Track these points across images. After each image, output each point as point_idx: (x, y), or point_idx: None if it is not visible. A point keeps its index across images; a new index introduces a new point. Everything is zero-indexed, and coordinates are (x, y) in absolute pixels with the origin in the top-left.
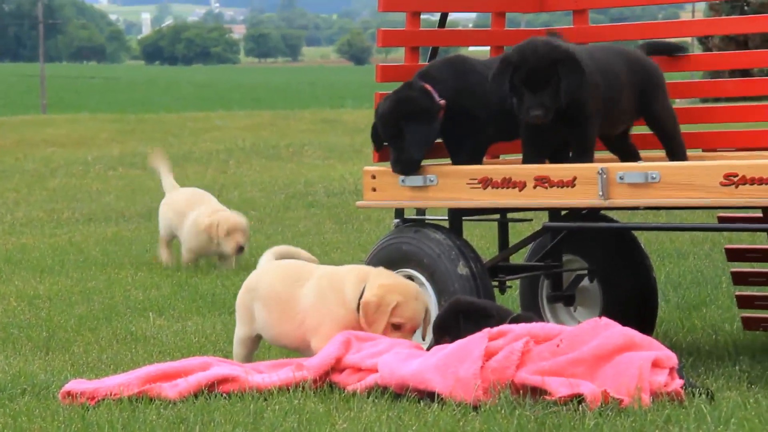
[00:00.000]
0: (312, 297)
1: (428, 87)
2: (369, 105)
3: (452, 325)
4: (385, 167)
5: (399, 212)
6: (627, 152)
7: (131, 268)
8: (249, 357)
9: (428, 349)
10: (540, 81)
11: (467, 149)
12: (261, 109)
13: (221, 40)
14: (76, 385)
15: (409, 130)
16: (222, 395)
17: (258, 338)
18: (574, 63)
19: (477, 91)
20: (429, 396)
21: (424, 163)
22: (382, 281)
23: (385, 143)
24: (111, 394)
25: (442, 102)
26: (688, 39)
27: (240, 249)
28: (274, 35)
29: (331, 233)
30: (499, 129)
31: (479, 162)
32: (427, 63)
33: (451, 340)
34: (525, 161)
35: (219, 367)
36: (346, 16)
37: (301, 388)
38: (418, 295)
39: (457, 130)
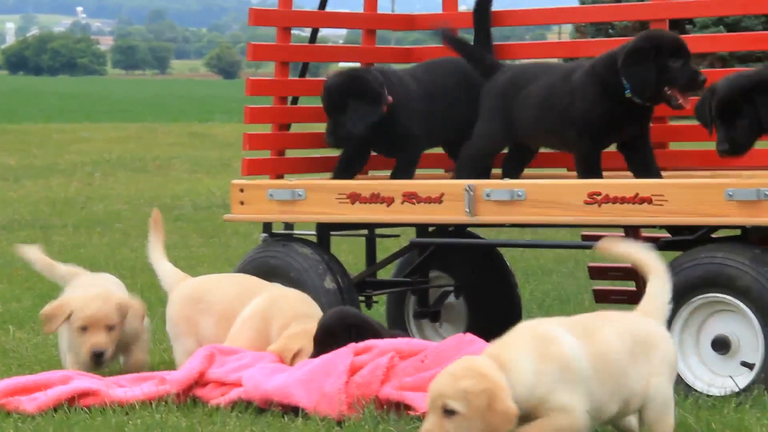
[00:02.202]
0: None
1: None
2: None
3: (341, 336)
4: (254, 181)
5: (267, 226)
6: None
7: None
8: None
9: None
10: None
11: (401, 165)
12: (128, 121)
13: (88, 51)
14: None
15: (354, 106)
16: (82, 409)
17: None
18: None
19: (410, 107)
20: (293, 410)
21: (296, 178)
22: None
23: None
24: None
25: (390, 98)
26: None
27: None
28: (142, 47)
29: (198, 247)
30: (431, 142)
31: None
32: (297, 78)
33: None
34: None
35: (79, 381)
36: (215, 30)
37: (163, 403)
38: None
39: (387, 141)
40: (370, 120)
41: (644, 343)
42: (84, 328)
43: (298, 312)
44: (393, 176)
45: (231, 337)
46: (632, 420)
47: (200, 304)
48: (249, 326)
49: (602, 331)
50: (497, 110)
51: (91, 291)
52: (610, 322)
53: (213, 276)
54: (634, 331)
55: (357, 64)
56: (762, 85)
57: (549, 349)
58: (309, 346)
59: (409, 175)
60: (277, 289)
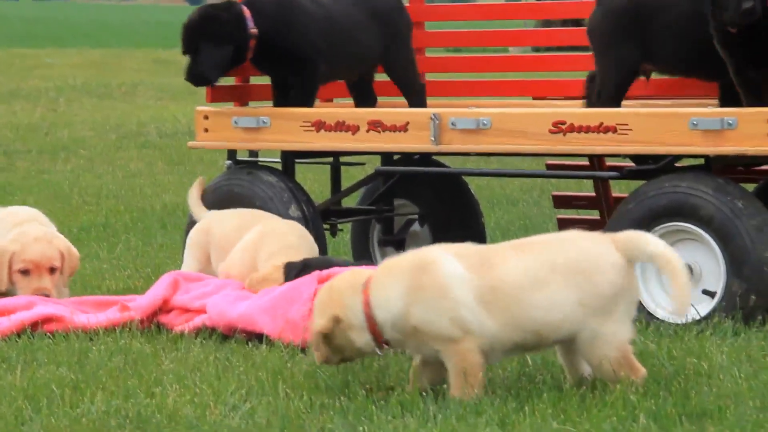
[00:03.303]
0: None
1: (246, 12)
2: None
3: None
4: (219, 108)
5: (231, 154)
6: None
7: None
8: None
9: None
10: None
11: (297, 89)
12: (93, 47)
13: None
14: None
15: (204, 49)
16: (46, 335)
17: None
18: None
19: (300, 28)
20: (257, 337)
21: (261, 105)
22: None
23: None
24: None
25: (254, 31)
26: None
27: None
28: None
29: (163, 174)
30: (332, 68)
31: (310, 104)
32: None
33: None
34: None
35: (43, 306)
36: None
37: (127, 329)
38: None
39: (280, 67)
40: (224, 63)
41: (576, 271)
42: (26, 272)
43: (286, 243)
44: (289, 102)
45: (223, 268)
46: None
47: (208, 236)
48: (240, 257)
49: (504, 263)
50: (628, 34)
51: (31, 233)
52: (531, 250)
53: (222, 211)
54: (566, 258)
55: None
56: None
57: (422, 278)
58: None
59: (305, 99)
60: (272, 221)
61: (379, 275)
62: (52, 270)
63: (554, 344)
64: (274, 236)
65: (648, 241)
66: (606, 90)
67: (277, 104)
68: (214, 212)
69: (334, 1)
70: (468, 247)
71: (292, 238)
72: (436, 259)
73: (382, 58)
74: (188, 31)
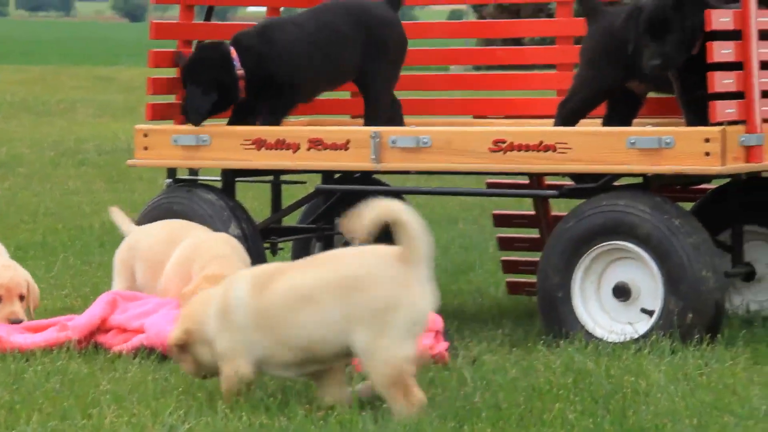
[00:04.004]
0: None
1: (233, 53)
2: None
3: None
4: (158, 126)
5: (171, 172)
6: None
7: None
8: None
9: None
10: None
11: (270, 112)
12: (32, 63)
13: None
14: None
15: (190, 93)
16: None
17: None
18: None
19: (283, 59)
20: None
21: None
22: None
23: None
24: None
25: (240, 72)
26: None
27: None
28: None
29: (102, 192)
30: (312, 87)
31: (278, 125)
32: (202, 22)
33: None
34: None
35: None
36: None
37: (65, 349)
38: None
39: (266, 98)
40: (205, 108)
41: (346, 287)
42: None
43: (217, 253)
44: (260, 122)
45: (162, 287)
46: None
47: (134, 251)
48: (175, 273)
49: (274, 283)
50: (613, 53)
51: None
52: (299, 269)
53: (148, 225)
54: (337, 273)
55: (263, 9)
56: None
57: (221, 297)
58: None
59: (274, 122)
60: (201, 233)
61: (209, 291)
62: (21, 297)
63: (338, 359)
64: (205, 247)
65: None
66: (573, 102)
67: (231, 122)
68: (140, 227)
69: (317, 13)
70: (266, 269)
71: (224, 248)
72: (232, 282)
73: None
74: (182, 70)
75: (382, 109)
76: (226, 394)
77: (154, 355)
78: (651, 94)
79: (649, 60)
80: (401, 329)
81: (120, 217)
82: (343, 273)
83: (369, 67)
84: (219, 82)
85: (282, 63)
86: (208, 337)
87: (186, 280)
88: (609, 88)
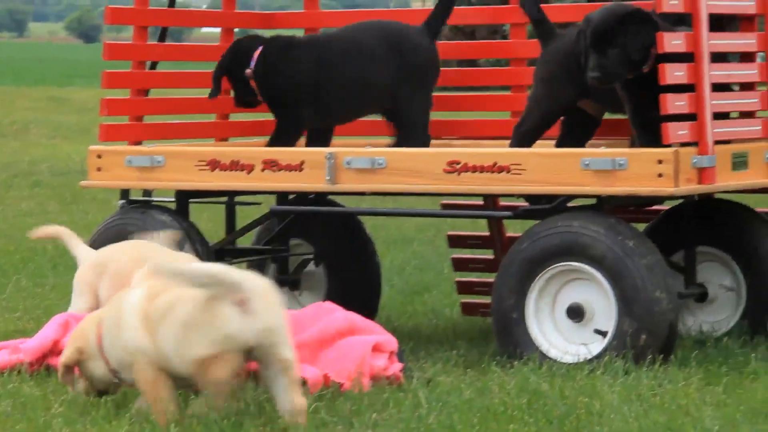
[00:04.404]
0: None
1: (256, 51)
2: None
3: None
4: (112, 147)
5: (125, 193)
6: None
7: None
8: None
9: None
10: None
11: (276, 132)
12: None
13: None
14: None
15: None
16: None
17: None
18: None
19: (287, 75)
20: None
21: (155, 144)
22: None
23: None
24: None
25: (249, 72)
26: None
27: None
28: None
29: (56, 214)
30: (318, 112)
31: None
32: (156, 42)
33: None
34: None
35: None
36: None
37: (16, 372)
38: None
39: (271, 110)
40: (237, 96)
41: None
42: None
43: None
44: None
45: None
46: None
47: (99, 268)
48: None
49: (165, 293)
50: (567, 73)
51: None
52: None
53: (115, 245)
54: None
55: (217, 30)
56: (636, 14)
57: (115, 308)
58: None
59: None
60: (164, 255)
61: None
62: None
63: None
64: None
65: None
66: (527, 123)
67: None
68: (107, 247)
69: (349, 33)
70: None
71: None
72: (129, 292)
73: (392, 97)
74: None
75: (418, 137)
76: (149, 398)
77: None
78: (607, 115)
79: (589, 72)
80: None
81: (72, 238)
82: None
83: (403, 93)
84: (232, 74)
85: (284, 81)
86: (95, 353)
87: None
88: (562, 108)
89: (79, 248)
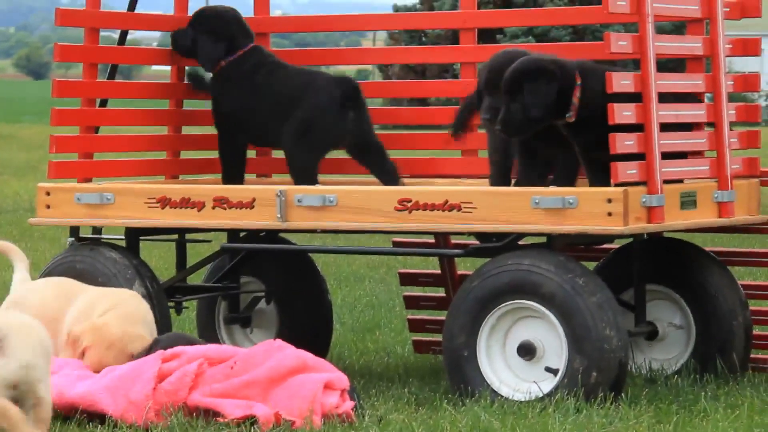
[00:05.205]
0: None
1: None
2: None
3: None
4: (61, 184)
5: (74, 230)
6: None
7: None
8: None
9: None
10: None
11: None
12: None
13: None
14: None
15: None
16: None
17: None
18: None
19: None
20: (100, 418)
21: (105, 181)
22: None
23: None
24: None
25: None
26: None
27: None
28: None
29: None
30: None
31: (224, 181)
32: (106, 80)
33: None
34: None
35: None
36: (24, 29)
37: None
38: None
39: None
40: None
41: None
42: None
43: (118, 305)
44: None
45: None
46: None
47: (20, 308)
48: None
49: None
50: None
51: None
52: None
53: (36, 281)
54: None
55: (167, 68)
56: (534, 72)
57: None
58: (98, 344)
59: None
60: (94, 288)
61: None
62: None
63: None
64: (105, 297)
65: None
66: (492, 165)
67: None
68: (26, 285)
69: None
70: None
71: (125, 296)
72: None
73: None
74: None
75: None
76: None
77: (56, 416)
78: None
79: (482, 113)
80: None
81: (17, 260)
82: None
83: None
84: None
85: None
86: None
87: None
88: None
89: (17, 275)
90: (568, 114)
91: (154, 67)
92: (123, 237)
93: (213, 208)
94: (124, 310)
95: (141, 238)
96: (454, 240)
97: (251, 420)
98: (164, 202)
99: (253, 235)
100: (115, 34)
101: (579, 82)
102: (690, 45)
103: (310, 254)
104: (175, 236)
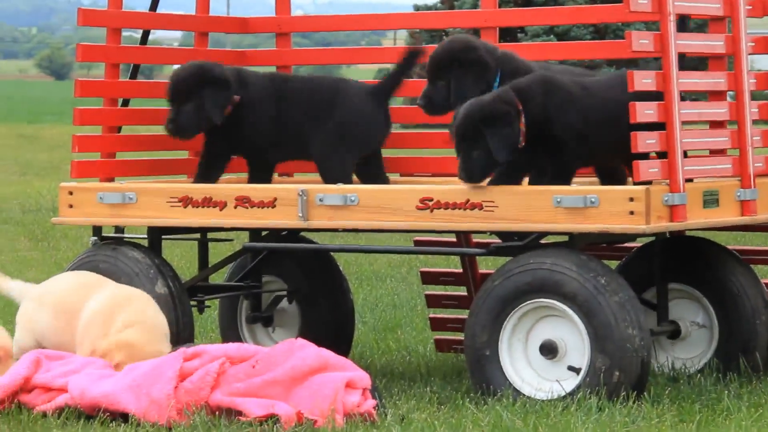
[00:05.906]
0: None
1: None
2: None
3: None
4: (84, 184)
5: (97, 230)
6: None
7: None
8: None
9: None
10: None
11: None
12: None
13: None
14: None
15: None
16: None
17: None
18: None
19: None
20: (122, 417)
21: (127, 181)
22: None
23: None
24: None
25: (236, 98)
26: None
27: None
28: None
29: (26, 251)
30: (228, 144)
31: (208, 179)
32: (128, 80)
33: None
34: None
35: None
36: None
37: None
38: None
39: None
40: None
41: None
42: None
43: (139, 318)
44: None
45: (80, 337)
46: None
47: (37, 302)
48: (94, 324)
49: None
50: None
51: None
52: None
53: (55, 276)
54: None
55: None
56: (491, 117)
57: None
58: (129, 361)
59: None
60: (120, 286)
61: None
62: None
63: None
64: (121, 308)
65: None
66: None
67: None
68: (46, 281)
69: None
70: None
71: (142, 306)
72: None
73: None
74: None
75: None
76: None
77: (79, 414)
78: None
79: (418, 100)
80: None
81: (12, 288)
82: None
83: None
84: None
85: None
86: None
87: (106, 333)
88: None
89: (11, 284)
90: (518, 141)
91: (176, 67)
92: (145, 236)
93: (235, 207)
94: (150, 323)
95: (163, 237)
96: (475, 239)
97: (273, 419)
98: (186, 202)
99: (275, 234)
100: (137, 34)
101: (520, 107)
102: (712, 43)
103: (331, 253)
104: (197, 235)
